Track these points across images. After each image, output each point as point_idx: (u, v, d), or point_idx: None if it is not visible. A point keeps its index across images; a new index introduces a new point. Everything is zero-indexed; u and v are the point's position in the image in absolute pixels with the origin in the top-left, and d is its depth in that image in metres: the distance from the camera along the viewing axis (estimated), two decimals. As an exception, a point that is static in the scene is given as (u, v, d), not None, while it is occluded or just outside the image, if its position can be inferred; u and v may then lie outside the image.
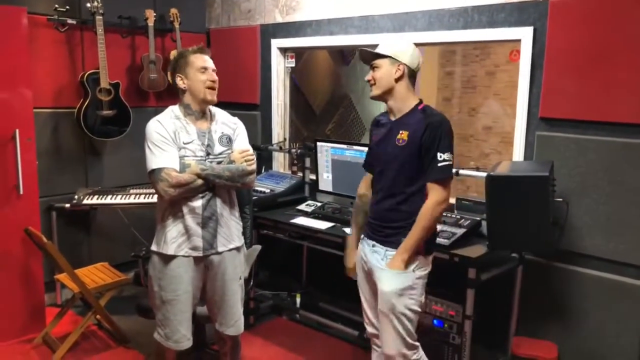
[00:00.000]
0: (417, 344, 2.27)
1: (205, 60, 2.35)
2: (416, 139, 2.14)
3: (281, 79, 4.04)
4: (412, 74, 2.22)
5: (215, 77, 2.35)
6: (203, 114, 2.38)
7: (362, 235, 2.39)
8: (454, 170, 2.27)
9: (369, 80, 2.25)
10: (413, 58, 2.21)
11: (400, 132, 2.19)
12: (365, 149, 3.24)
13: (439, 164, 2.12)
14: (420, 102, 2.24)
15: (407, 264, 2.16)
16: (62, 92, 3.68)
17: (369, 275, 2.32)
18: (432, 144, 2.12)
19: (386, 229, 2.24)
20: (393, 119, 2.26)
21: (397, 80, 2.19)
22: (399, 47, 2.21)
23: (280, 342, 3.35)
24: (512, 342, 2.84)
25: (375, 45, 2.26)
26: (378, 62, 2.21)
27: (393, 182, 2.23)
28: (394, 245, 2.20)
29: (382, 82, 2.20)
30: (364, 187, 2.47)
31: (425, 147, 2.13)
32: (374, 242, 2.29)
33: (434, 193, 2.14)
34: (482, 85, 6.06)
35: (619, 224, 2.60)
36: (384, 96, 2.24)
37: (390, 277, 2.19)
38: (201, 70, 2.32)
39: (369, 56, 2.24)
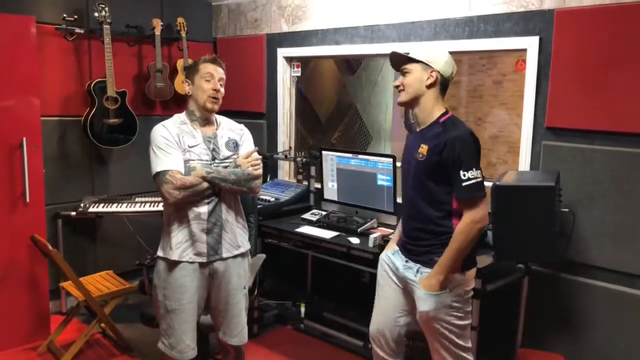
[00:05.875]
0: (463, 354, 2.17)
1: (213, 69, 2.34)
2: (435, 156, 2.05)
3: (287, 87, 4.05)
4: (444, 83, 2.11)
5: (219, 87, 2.33)
6: (207, 121, 2.39)
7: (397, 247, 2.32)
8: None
9: (397, 86, 2.14)
10: (447, 66, 2.10)
11: (421, 145, 2.10)
12: (371, 157, 3.28)
13: (464, 184, 2.01)
14: (444, 113, 2.12)
15: (443, 284, 2.07)
16: (69, 101, 3.71)
17: (400, 284, 2.26)
18: (455, 162, 2.01)
19: (416, 247, 2.17)
20: (418, 129, 2.18)
21: (428, 87, 2.08)
22: (433, 52, 2.11)
23: (285, 351, 3.33)
24: (518, 354, 2.81)
25: (388, 54, 2.17)
26: (409, 66, 2.10)
27: (415, 200, 2.14)
28: (426, 264, 2.13)
29: (412, 88, 2.09)
30: None
31: (448, 165, 2.03)
32: (407, 259, 2.21)
33: (466, 213, 2.04)
34: (489, 94, 6.04)
35: (627, 234, 2.58)
36: (412, 103, 2.13)
37: (426, 298, 2.10)
38: (206, 77, 2.32)
39: (401, 60, 2.13)
